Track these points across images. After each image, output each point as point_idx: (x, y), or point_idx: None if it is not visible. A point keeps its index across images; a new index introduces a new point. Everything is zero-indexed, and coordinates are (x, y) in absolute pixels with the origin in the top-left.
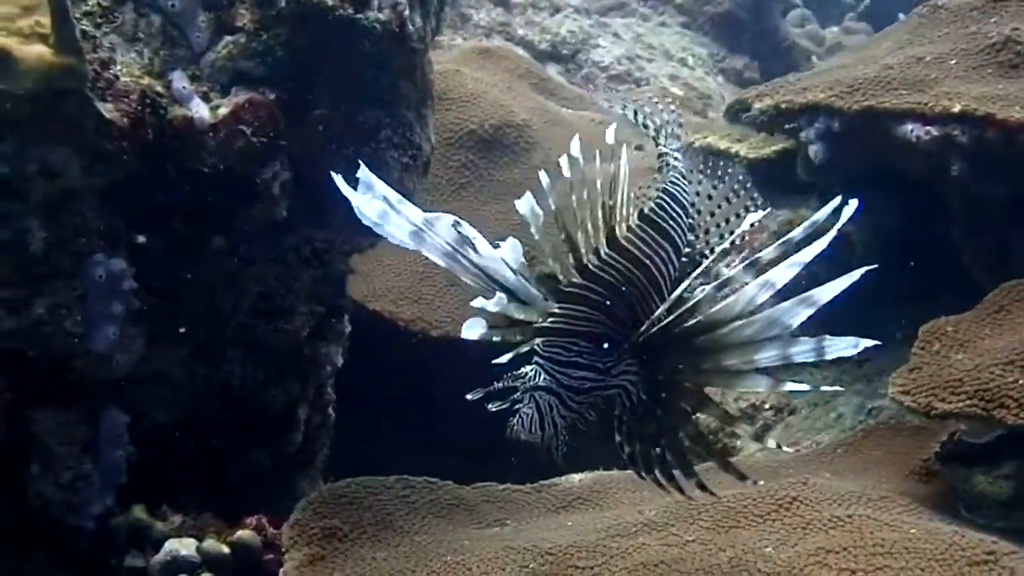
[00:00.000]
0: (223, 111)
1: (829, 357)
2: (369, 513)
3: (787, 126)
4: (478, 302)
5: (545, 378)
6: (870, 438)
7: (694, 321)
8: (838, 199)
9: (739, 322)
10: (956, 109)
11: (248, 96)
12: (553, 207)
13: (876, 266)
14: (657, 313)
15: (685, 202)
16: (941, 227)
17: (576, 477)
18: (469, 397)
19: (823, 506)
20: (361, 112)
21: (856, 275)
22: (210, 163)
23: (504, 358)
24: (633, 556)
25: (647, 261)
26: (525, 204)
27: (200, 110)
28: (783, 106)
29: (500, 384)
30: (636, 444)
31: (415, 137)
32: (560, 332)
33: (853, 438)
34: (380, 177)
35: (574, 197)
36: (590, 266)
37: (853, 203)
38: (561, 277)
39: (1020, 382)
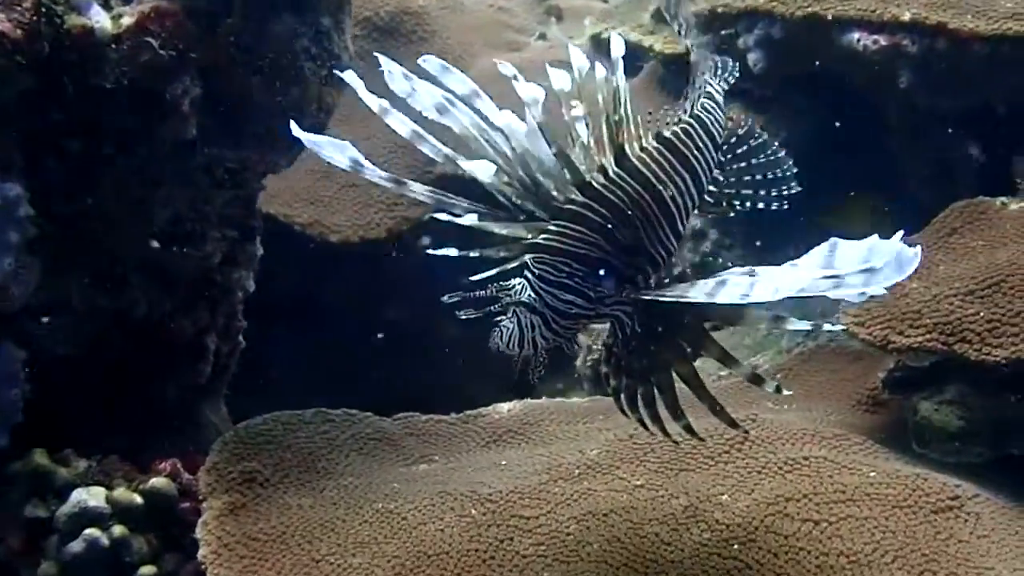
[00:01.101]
0: (126, 21)
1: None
2: (289, 453)
3: (723, 32)
4: (468, 219)
5: (530, 295)
6: (810, 363)
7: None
8: (899, 243)
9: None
10: (906, 17)
11: (153, 4)
12: (541, 119)
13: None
14: (663, 295)
15: (716, 134)
16: (876, 137)
17: (504, 407)
18: (445, 299)
19: (776, 446)
20: (275, 20)
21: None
22: (113, 78)
23: (483, 275)
24: (580, 503)
25: (660, 187)
26: (504, 119)
27: (101, 19)
28: (719, 9)
29: (483, 292)
30: (623, 379)
31: (333, 47)
32: (552, 250)
33: (793, 363)
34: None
35: (576, 108)
36: (595, 184)
37: (916, 252)
38: (555, 193)
39: (981, 315)
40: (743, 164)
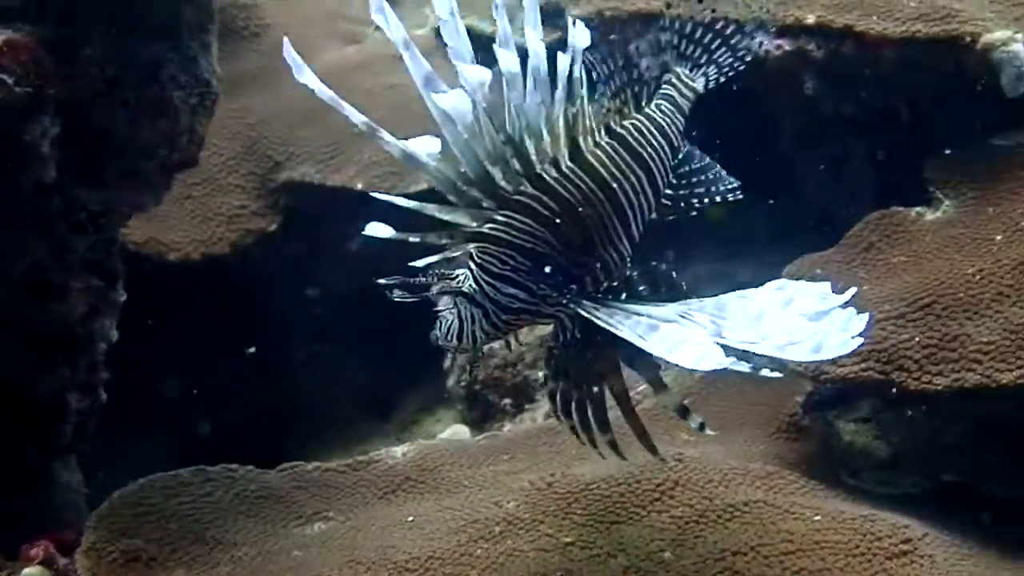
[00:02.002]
0: None
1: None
2: (173, 523)
3: (611, 37)
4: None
5: (472, 286)
6: (717, 385)
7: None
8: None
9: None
10: (810, 20)
11: (4, 37)
12: (486, 105)
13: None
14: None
15: (672, 136)
16: (773, 141)
17: (397, 451)
18: (381, 282)
19: (710, 490)
20: (139, 47)
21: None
22: None
23: (424, 261)
24: (509, 568)
25: (614, 184)
26: (448, 101)
27: None
28: (607, 13)
29: (420, 278)
30: (560, 383)
31: (201, 71)
32: (497, 241)
33: (700, 386)
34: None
35: (523, 97)
36: (546, 176)
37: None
38: (504, 184)
39: (917, 340)
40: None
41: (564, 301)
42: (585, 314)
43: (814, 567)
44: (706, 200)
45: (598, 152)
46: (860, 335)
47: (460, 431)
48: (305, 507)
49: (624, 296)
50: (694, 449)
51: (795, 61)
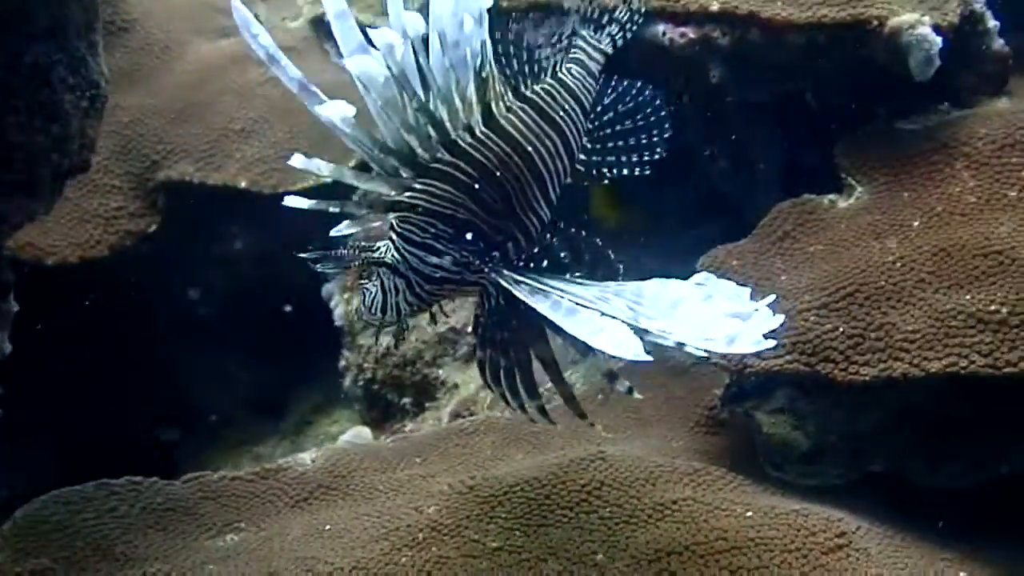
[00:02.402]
0: None
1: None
2: (80, 540)
3: (513, 26)
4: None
5: (394, 256)
6: (631, 379)
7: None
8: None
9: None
10: (714, 7)
11: None
12: (396, 71)
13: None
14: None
15: (584, 99)
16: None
17: (305, 457)
18: (303, 255)
19: (637, 489)
20: (26, 48)
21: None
22: None
23: (343, 228)
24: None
25: (529, 148)
26: (360, 65)
27: None
28: (504, 4)
29: (342, 250)
30: (488, 351)
31: (91, 73)
32: (418, 210)
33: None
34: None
35: (434, 62)
36: (460, 143)
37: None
38: (421, 152)
39: (841, 330)
40: (616, 128)
41: (486, 270)
42: (507, 285)
43: (751, 565)
44: (615, 171)
45: (511, 116)
46: (774, 336)
47: (362, 433)
48: (215, 518)
49: (545, 263)
50: (614, 447)
51: (700, 49)
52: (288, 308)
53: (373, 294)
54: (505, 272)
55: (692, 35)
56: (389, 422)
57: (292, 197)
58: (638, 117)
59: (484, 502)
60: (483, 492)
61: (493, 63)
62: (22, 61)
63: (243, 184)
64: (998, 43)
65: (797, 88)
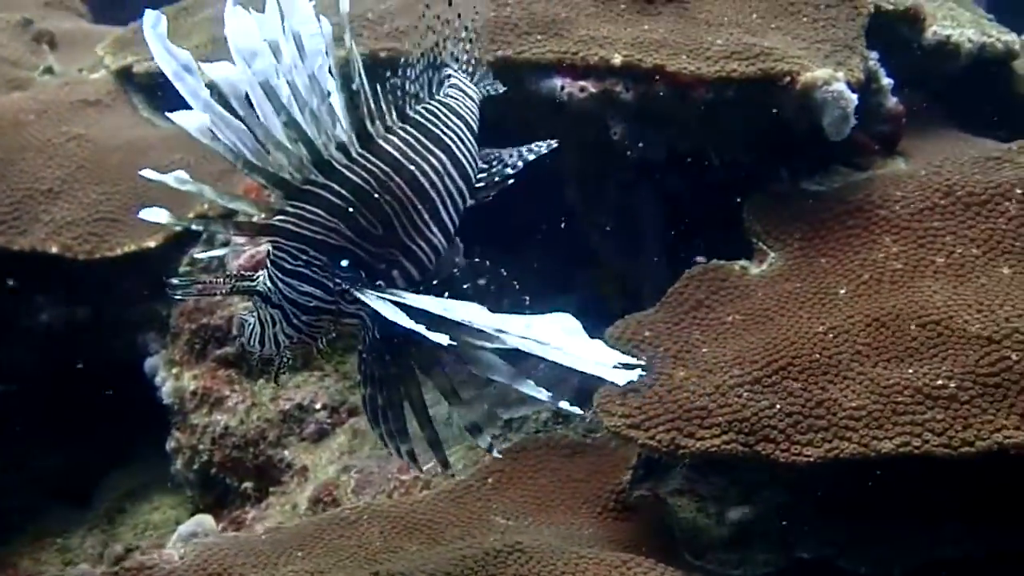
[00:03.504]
0: None
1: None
2: None
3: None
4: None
5: (266, 285)
6: (522, 462)
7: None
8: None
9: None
10: (616, 61)
11: None
12: (259, 82)
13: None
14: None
15: (469, 118)
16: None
17: (172, 553)
18: (172, 281)
19: None
20: None
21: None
22: None
23: (205, 253)
24: None
25: (412, 168)
26: (218, 71)
27: None
28: (383, 54)
29: (211, 279)
30: (368, 388)
31: None
32: (289, 235)
33: (502, 464)
34: None
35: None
36: (335, 163)
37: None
38: (289, 172)
39: (778, 407)
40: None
41: (348, 287)
42: (367, 300)
43: None
44: (520, 163)
45: (391, 136)
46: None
47: (205, 522)
48: None
49: (447, 295)
50: (527, 536)
51: (601, 104)
52: (98, 385)
53: (251, 325)
54: (367, 290)
55: (593, 89)
56: (227, 509)
57: (149, 210)
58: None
59: None
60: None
61: (365, 80)
62: None
63: (54, 249)
64: (891, 101)
65: (696, 146)
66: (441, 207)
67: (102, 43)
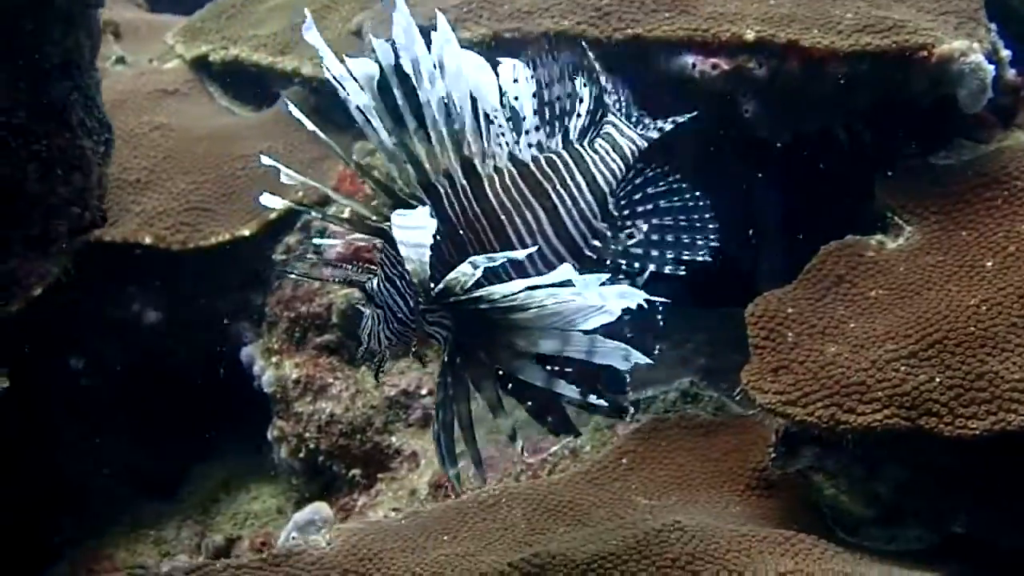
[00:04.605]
0: None
1: (599, 360)
2: None
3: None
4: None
5: (374, 286)
6: (655, 442)
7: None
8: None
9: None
10: (750, 37)
11: None
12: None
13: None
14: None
15: (602, 181)
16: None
17: (318, 539)
18: (278, 258)
19: (734, 561)
20: (44, 87)
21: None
22: None
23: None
24: None
25: (503, 217)
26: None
27: None
28: (507, 35)
29: (329, 269)
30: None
31: (102, 113)
32: (391, 242)
33: (632, 443)
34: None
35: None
36: (439, 187)
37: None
38: (400, 184)
39: (938, 380)
40: (654, 221)
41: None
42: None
43: None
44: (649, 265)
45: (495, 177)
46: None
47: (321, 510)
48: None
49: None
50: (680, 514)
51: (733, 81)
52: (184, 377)
53: (365, 319)
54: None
55: (725, 66)
56: (335, 496)
57: (267, 196)
58: (681, 217)
59: None
60: (556, 572)
61: (482, 120)
62: (40, 100)
63: (148, 240)
64: (1010, 73)
65: (824, 123)
66: (528, 264)
67: (170, 32)
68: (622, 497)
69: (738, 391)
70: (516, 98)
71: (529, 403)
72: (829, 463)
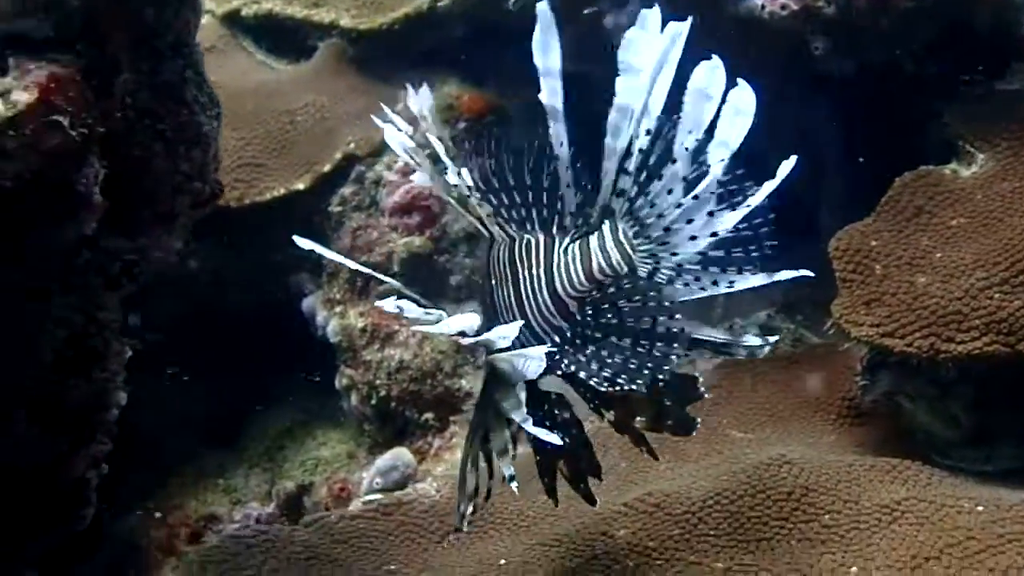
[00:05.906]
0: (24, 98)
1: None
2: None
3: (585, 11)
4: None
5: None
6: (739, 375)
7: None
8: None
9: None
10: None
11: (49, 71)
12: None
13: None
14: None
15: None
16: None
17: (426, 487)
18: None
19: (847, 492)
20: (162, 66)
21: None
22: (12, 172)
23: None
24: None
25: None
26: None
27: None
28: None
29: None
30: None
31: (211, 88)
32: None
33: (719, 378)
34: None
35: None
36: (495, 237)
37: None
38: (487, 225)
39: None
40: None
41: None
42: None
43: (1018, 564)
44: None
45: (513, 241)
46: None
47: (403, 455)
48: (362, 563)
49: None
50: (780, 447)
51: (802, 20)
52: (243, 328)
53: None
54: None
55: (794, 6)
56: (408, 440)
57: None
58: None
59: (680, 520)
60: (674, 510)
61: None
62: (159, 80)
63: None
64: None
65: (888, 56)
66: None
67: None
68: (716, 432)
69: (829, 324)
70: None
71: (538, 457)
72: (908, 387)
